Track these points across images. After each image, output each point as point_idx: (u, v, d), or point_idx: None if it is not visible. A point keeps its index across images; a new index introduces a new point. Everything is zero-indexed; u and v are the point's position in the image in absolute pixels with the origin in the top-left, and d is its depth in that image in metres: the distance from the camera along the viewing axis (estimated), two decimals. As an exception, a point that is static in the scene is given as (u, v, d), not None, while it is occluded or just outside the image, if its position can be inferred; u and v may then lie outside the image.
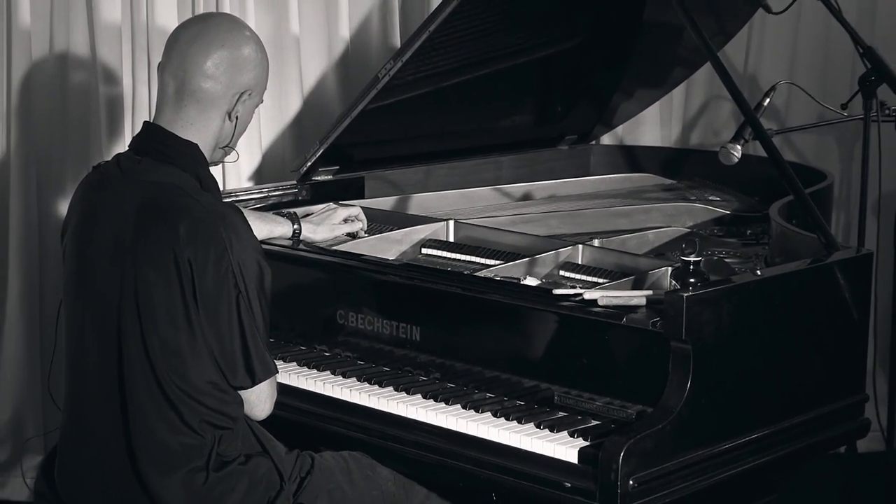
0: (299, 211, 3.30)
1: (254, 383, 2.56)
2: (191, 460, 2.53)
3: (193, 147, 2.61)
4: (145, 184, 2.57)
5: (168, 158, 2.58)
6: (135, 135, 2.69)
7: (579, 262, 3.07)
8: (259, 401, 2.60)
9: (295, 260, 3.11)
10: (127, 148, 2.69)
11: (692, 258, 2.62)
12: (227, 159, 2.74)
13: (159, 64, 2.65)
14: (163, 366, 2.50)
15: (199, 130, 2.61)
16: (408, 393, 2.82)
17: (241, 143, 2.91)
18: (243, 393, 2.57)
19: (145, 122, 2.66)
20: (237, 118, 2.65)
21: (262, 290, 2.55)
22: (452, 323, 2.88)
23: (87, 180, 2.71)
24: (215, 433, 2.55)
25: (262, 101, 2.73)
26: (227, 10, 4.07)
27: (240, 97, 2.63)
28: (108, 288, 2.55)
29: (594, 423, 2.63)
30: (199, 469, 2.53)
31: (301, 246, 3.18)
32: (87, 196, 2.67)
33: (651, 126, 4.79)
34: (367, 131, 3.63)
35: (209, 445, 2.54)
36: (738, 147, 3.44)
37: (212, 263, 2.48)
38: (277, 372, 2.61)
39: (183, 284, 2.48)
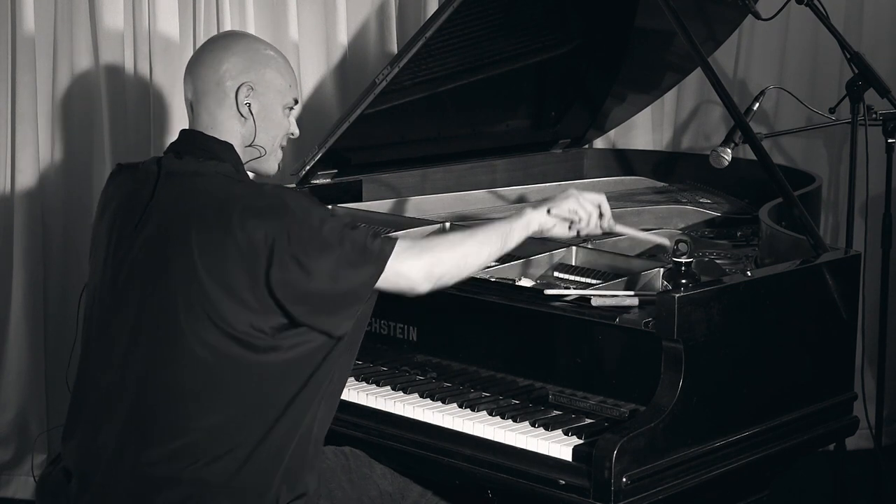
0: None
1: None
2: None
3: (230, 145, 2.62)
4: (197, 176, 2.55)
5: (209, 154, 2.58)
6: (172, 142, 2.67)
7: (573, 264, 3.08)
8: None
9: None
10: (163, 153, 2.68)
11: (684, 259, 2.63)
12: (266, 166, 2.72)
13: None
14: (227, 348, 2.46)
15: (222, 133, 2.61)
16: (405, 392, 2.84)
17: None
18: None
19: (183, 130, 2.66)
20: (252, 114, 2.63)
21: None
22: (449, 323, 2.89)
23: (123, 178, 2.67)
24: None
25: (291, 104, 2.70)
26: (227, 15, 4.10)
27: (238, 90, 2.61)
28: (161, 278, 2.50)
29: (588, 421, 2.64)
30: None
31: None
32: (125, 192, 2.63)
33: (643, 130, 4.79)
34: (365, 135, 3.63)
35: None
36: (729, 150, 3.44)
37: (277, 236, 2.44)
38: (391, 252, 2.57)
39: (250, 263, 2.44)
